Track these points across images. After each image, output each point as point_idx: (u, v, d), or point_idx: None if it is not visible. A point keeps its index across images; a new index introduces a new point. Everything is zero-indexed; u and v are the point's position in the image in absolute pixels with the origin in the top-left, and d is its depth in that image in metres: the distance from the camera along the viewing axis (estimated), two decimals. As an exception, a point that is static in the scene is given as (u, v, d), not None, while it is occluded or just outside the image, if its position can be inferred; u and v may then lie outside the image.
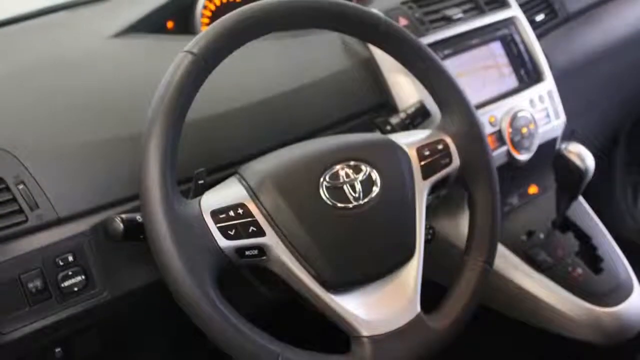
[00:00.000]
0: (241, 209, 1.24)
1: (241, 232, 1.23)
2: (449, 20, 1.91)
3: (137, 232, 1.28)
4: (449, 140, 1.45)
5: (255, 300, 1.62)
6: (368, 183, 1.32)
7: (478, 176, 1.46)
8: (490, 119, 1.85)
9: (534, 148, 1.92)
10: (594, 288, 1.91)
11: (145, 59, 1.71)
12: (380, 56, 1.79)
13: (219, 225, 1.21)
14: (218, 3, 2.01)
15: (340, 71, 1.78)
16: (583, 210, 2.10)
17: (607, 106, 2.56)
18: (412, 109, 1.68)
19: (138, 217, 1.29)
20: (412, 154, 1.41)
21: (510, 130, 1.85)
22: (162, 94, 1.19)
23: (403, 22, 1.84)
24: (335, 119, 1.70)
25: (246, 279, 1.53)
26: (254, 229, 1.24)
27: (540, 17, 2.19)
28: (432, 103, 1.53)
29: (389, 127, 1.64)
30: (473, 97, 1.59)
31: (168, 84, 1.20)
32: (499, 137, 1.86)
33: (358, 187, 1.31)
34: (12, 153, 1.34)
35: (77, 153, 1.41)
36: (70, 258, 1.31)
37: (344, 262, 1.28)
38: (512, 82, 1.97)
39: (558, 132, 2.02)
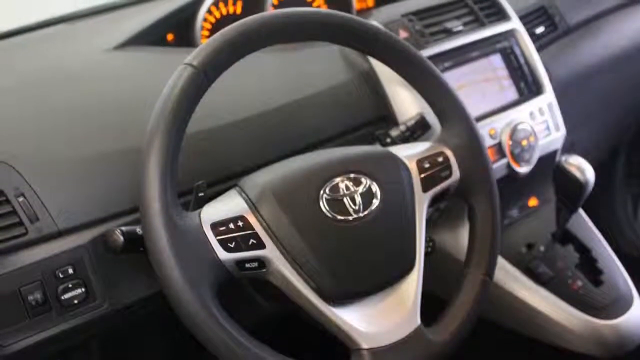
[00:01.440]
0: (241, 221, 1.24)
1: (241, 244, 1.22)
2: (449, 33, 1.91)
3: (137, 245, 1.28)
4: (449, 152, 1.45)
5: (255, 313, 1.62)
6: (368, 195, 1.32)
7: (478, 189, 1.46)
8: (490, 131, 1.85)
9: (534, 160, 1.92)
10: (594, 300, 1.91)
11: (145, 72, 1.72)
12: (380, 69, 1.79)
13: (219, 237, 1.21)
14: (218, 16, 2.02)
15: (340, 84, 1.78)
16: (583, 223, 2.10)
17: (607, 118, 2.57)
18: (412, 122, 1.68)
19: (138, 230, 1.29)
20: (412, 167, 1.41)
21: (510, 142, 1.86)
22: (162, 107, 1.19)
23: (403, 34, 1.85)
24: (335, 131, 1.70)
25: (246, 292, 1.53)
26: (254, 241, 1.24)
27: (540, 30, 2.19)
28: (432, 115, 1.53)
29: (389, 140, 1.64)
30: (473, 109, 1.59)
31: (168, 97, 1.20)
32: (499, 149, 1.86)
33: (358, 199, 1.31)
34: (13, 165, 1.34)
35: (78, 165, 1.41)
36: (70, 270, 1.31)
37: (344, 275, 1.28)
38: (512, 94, 1.97)
39: (558, 144, 2.02)
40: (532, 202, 2.09)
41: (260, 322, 1.62)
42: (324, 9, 1.91)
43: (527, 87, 2.00)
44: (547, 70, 2.03)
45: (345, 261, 1.29)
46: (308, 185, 1.30)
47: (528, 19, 2.16)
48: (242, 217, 1.25)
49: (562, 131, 2.01)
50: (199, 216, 1.23)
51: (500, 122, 1.88)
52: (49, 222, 1.33)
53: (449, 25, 1.93)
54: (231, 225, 1.23)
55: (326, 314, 1.27)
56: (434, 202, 1.44)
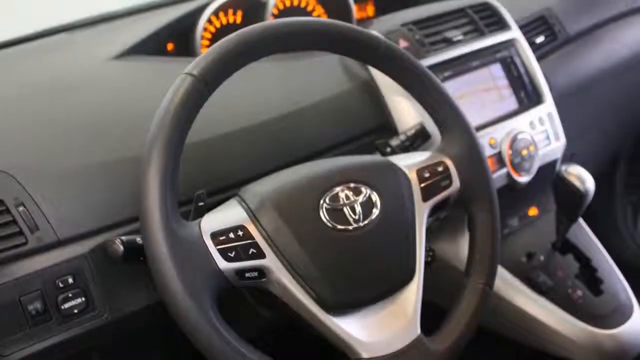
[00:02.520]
0: (241, 230, 1.24)
1: (241, 254, 1.22)
2: (449, 43, 1.91)
3: (137, 254, 1.28)
4: (449, 162, 1.45)
5: (255, 322, 1.62)
6: (368, 205, 1.32)
7: (478, 198, 1.46)
8: (490, 141, 1.85)
9: (534, 170, 1.92)
10: (594, 310, 1.91)
11: (145, 81, 1.72)
12: (381, 78, 1.79)
13: (219, 247, 1.21)
14: (218, 25, 2.02)
15: (341, 93, 1.78)
16: (583, 232, 2.10)
17: (607, 128, 2.57)
18: (412, 131, 1.68)
19: (138, 239, 1.29)
20: (412, 176, 1.41)
21: (510, 152, 1.86)
22: (162, 116, 1.19)
23: (403, 44, 1.85)
24: (335, 141, 1.70)
25: (246, 301, 1.53)
26: (254, 251, 1.24)
27: (540, 39, 2.19)
28: (432, 125, 1.53)
29: (389, 149, 1.64)
30: (473, 119, 1.59)
31: (168, 106, 1.20)
32: (499, 159, 1.86)
33: (358, 209, 1.31)
34: (12, 175, 1.34)
35: (77, 175, 1.41)
36: (71, 280, 1.31)
37: (344, 284, 1.28)
38: (512, 104, 1.97)
39: (558, 154, 2.02)
40: (532, 211, 2.09)
41: (260, 332, 1.62)
42: (324, 18, 1.92)
43: (527, 97, 2.00)
44: (547, 79, 2.04)
45: (345, 270, 1.29)
46: (308, 195, 1.30)
47: (528, 29, 2.17)
48: (242, 227, 1.25)
49: (562, 141, 2.02)
50: (199, 226, 1.23)
51: (500, 132, 1.88)
52: (49, 231, 1.32)
53: (449, 34, 1.93)
54: (231, 235, 1.23)
55: (326, 323, 1.27)
56: (434, 211, 1.44)
